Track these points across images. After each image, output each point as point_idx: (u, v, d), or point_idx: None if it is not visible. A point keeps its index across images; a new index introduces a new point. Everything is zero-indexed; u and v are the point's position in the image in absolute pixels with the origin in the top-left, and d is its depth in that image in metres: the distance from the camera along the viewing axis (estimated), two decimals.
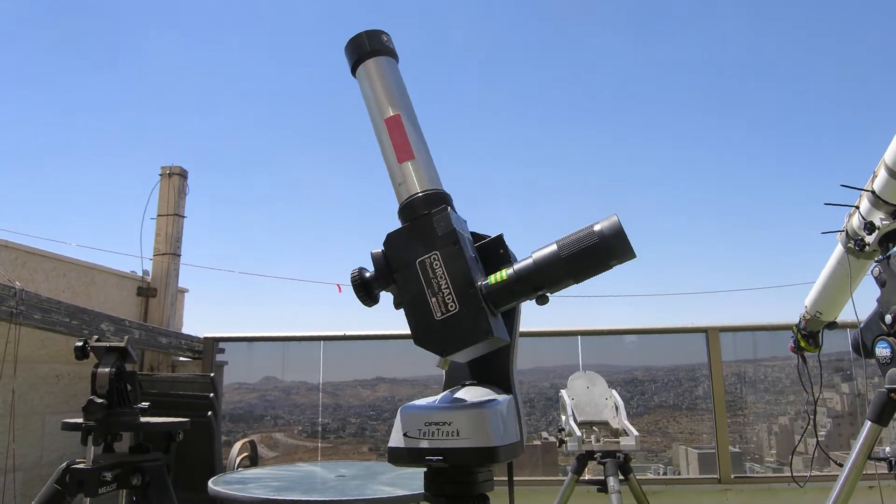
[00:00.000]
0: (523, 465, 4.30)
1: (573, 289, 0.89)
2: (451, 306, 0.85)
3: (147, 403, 2.03)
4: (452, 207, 0.93)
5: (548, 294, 0.88)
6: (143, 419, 2.00)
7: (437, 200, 0.91)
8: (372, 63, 1.00)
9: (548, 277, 0.86)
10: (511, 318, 0.95)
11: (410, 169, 0.94)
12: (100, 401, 1.86)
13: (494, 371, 0.94)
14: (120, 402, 1.93)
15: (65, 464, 1.90)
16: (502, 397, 0.88)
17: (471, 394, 0.89)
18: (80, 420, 1.90)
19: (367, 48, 1.00)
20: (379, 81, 0.99)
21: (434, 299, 0.86)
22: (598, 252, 0.83)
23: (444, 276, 0.86)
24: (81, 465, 1.89)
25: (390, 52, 1.02)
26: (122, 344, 1.97)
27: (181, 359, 4.52)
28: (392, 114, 0.97)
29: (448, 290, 0.85)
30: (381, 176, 0.97)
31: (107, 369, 1.91)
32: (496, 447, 0.81)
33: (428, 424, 0.83)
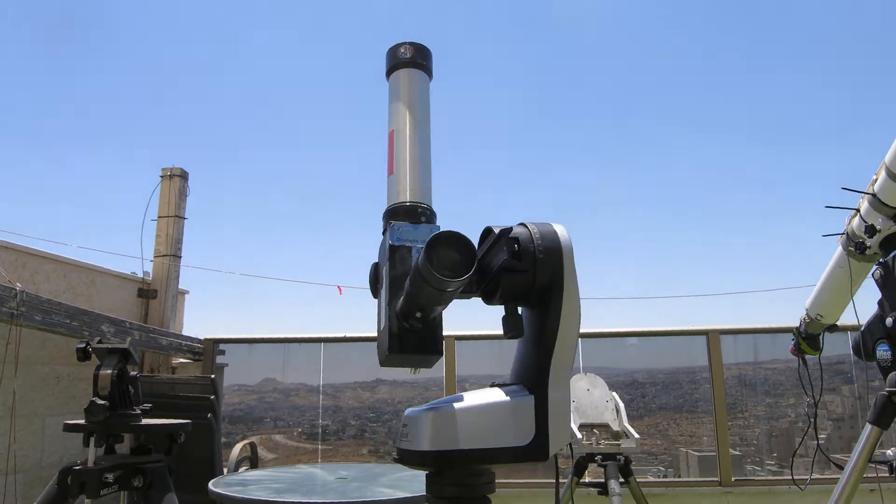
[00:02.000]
0: (524, 467, 4.29)
1: None
2: (384, 319, 0.88)
3: (149, 405, 2.04)
4: (428, 219, 0.92)
5: (421, 316, 0.83)
6: (144, 421, 2.00)
7: (402, 214, 0.92)
8: (402, 73, 1.02)
9: (412, 301, 0.81)
10: (544, 314, 0.86)
11: (394, 182, 0.96)
12: (102, 402, 1.86)
13: (524, 370, 0.89)
14: (122, 403, 1.93)
15: (60, 468, 1.90)
16: (482, 401, 0.84)
17: (478, 395, 0.87)
18: (83, 421, 1.90)
19: (397, 59, 1.02)
20: (400, 93, 1.01)
21: (382, 312, 0.89)
22: (416, 275, 0.75)
23: (385, 290, 0.89)
24: (81, 467, 1.89)
25: (417, 66, 1.02)
26: (125, 346, 1.98)
27: (181, 360, 4.53)
28: (391, 128, 0.99)
29: (385, 303, 0.88)
30: (384, 180, 0.98)
31: (109, 371, 1.91)
32: (426, 451, 0.81)
33: (402, 426, 0.87)
